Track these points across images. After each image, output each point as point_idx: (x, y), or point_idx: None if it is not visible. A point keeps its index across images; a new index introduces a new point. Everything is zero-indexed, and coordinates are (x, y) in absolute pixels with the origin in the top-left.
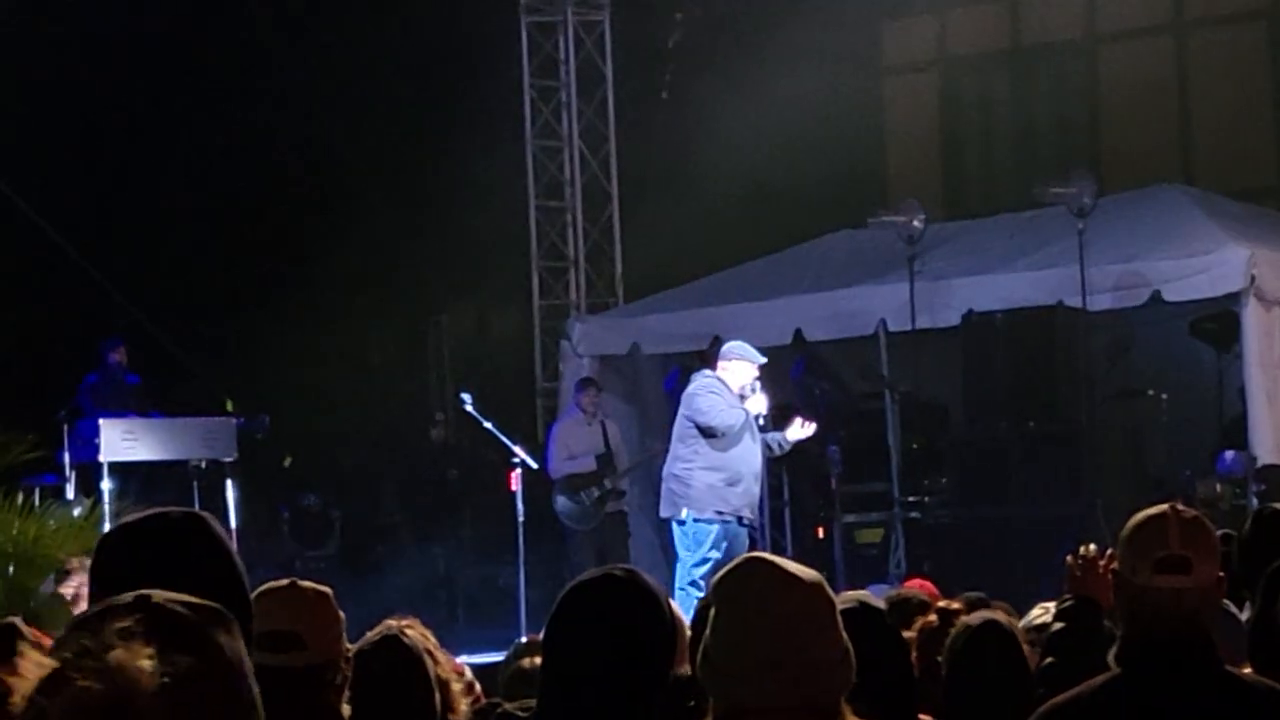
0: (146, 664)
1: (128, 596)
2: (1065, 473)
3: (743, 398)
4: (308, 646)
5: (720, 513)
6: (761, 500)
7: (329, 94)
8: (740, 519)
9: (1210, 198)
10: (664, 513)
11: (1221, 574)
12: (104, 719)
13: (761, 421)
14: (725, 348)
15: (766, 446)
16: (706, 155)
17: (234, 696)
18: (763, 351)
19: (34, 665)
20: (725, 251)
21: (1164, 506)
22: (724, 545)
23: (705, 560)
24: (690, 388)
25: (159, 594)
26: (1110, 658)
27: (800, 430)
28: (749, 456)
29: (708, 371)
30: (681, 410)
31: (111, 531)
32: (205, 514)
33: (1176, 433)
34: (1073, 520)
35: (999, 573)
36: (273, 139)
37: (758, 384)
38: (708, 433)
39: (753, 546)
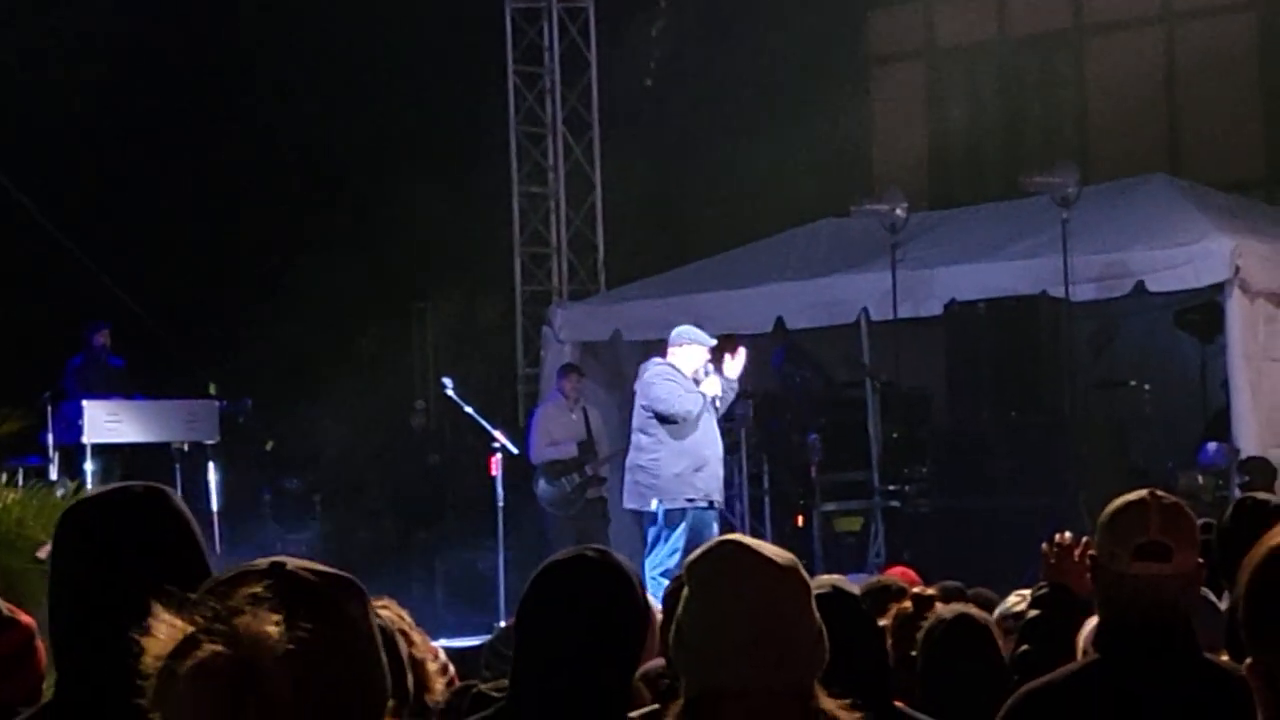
0: (273, 629)
1: (263, 563)
2: (1047, 463)
3: (696, 382)
4: None
5: (690, 500)
6: (740, 488)
7: (315, 81)
8: (711, 503)
9: (1196, 189)
10: (629, 504)
11: (1201, 561)
12: (229, 683)
13: (718, 404)
14: (674, 333)
15: (720, 402)
16: (690, 142)
17: (359, 665)
18: (744, 339)
19: (166, 627)
20: (707, 239)
21: (1143, 492)
22: (691, 532)
23: (676, 550)
24: (644, 376)
25: (293, 561)
26: (1085, 642)
27: (732, 365)
28: (710, 439)
29: (658, 359)
30: (638, 400)
31: (72, 508)
32: (166, 488)
33: (1159, 424)
34: (1055, 510)
35: (980, 563)
36: (258, 126)
37: (710, 367)
38: (667, 420)
39: (724, 529)
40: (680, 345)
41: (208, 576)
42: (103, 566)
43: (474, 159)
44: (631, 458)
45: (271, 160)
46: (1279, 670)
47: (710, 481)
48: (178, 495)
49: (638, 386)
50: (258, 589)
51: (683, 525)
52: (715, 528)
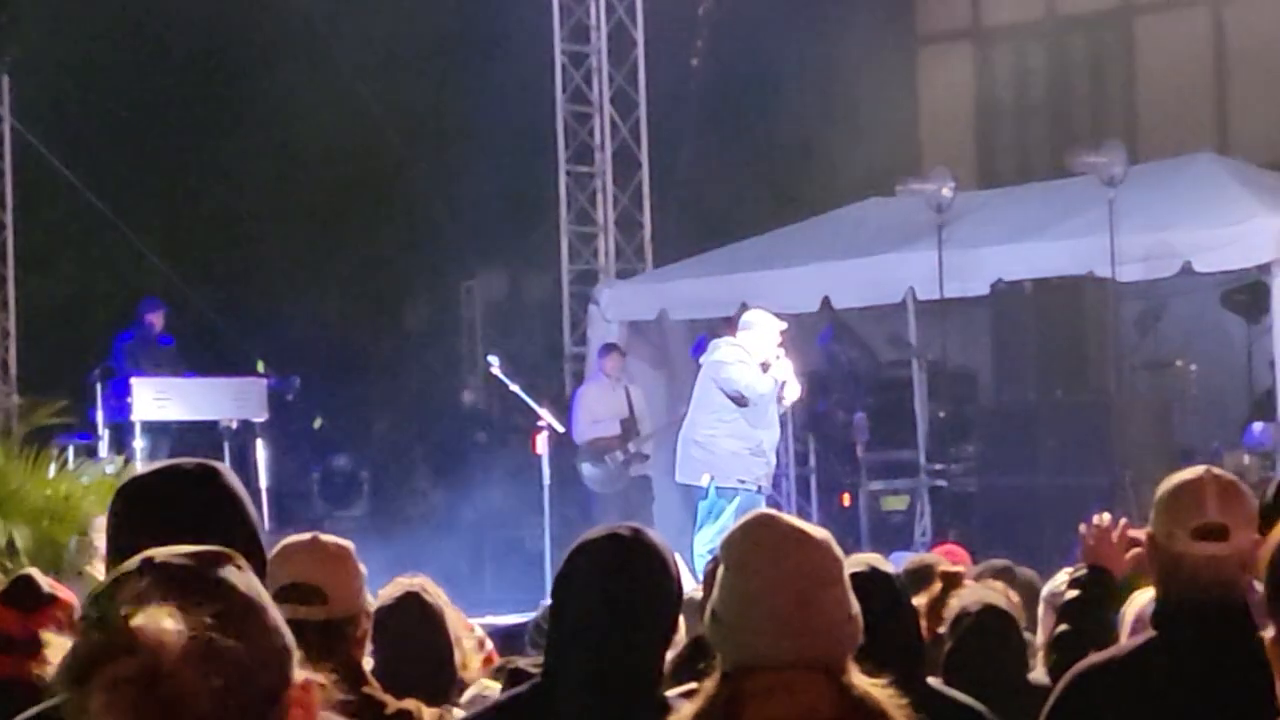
0: (169, 624)
1: (132, 562)
2: (1093, 442)
3: (765, 365)
4: (329, 600)
5: (742, 481)
6: (787, 467)
7: (363, 61)
8: (760, 488)
9: (1243, 168)
10: (681, 478)
11: (1258, 538)
12: (140, 690)
13: (784, 391)
14: (746, 315)
15: (788, 389)
16: (736, 122)
17: (260, 630)
18: (790, 318)
19: (58, 650)
20: (754, 218)
21: (1200, 470)
22: (740, 515)
23: (724, 530)
24: (715, 355)
25: (160, 552)
26: (1133, 618)
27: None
28: (769, 425)
29: (730, 339)
30: (706, 375)
31: (125, 484)
32: (219, 464)
33: (1205, 404)
34: (1100, 490)
35: (1025, 541)
36: (309, 105)
37: (781, 351)
38: (739, 401)
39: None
40: (749, 329)
41: (261, 554)
42: (154, 544)
43: (521, 138)
44: (687, 431)
45: (321, 140)
46: None
47: (764, 467)
48: (231, 472)
49: (706, 363)
50: (140, 587)
51: (733, 505)
52: None
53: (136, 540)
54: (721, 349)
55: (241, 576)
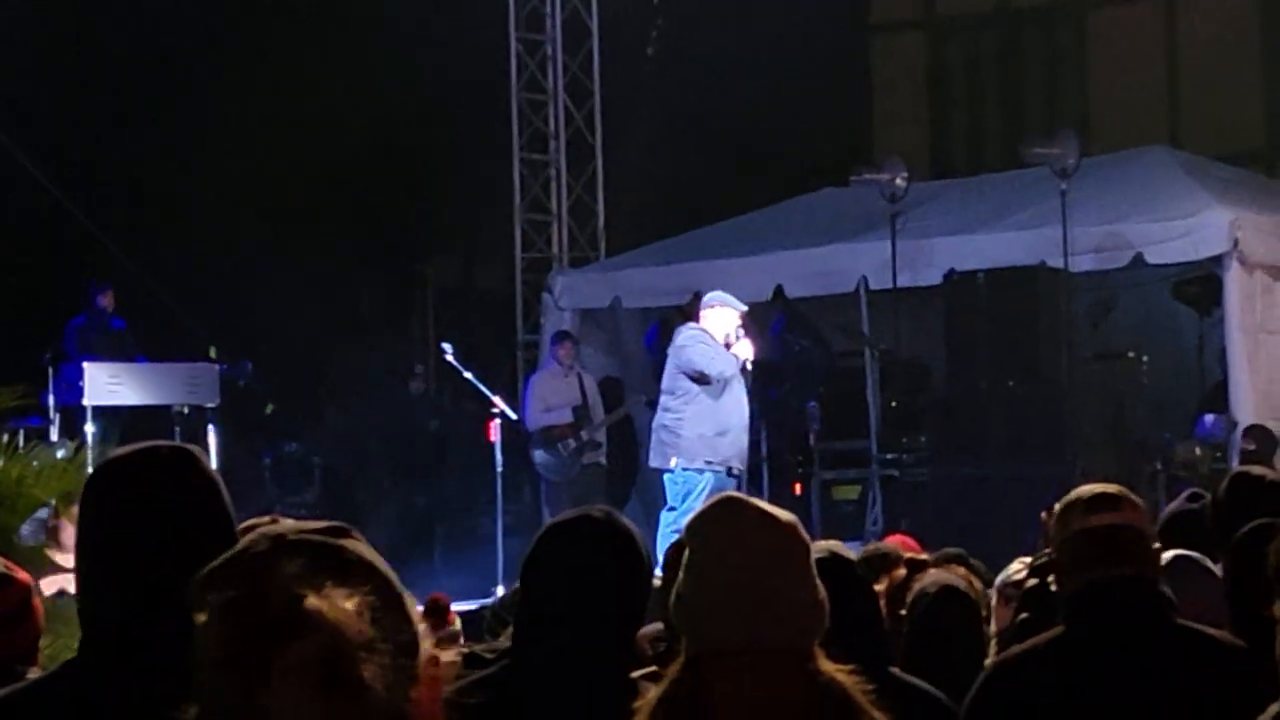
0: (351, 604)
1: (258, 540)
2: (1045, 433)
3: (727, 346)
4: None
5: (709, 462)
6: None
7: (314, 46)
8: (730, 470)
9: (1195, 160)
10: (653, 463)
11: (1158, 546)
12: (324, 672)
13: (748, 368)
14: (706, 297)
15: (749, 366)
16: (691, 112)
17: (399, 604)
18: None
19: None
20: (708, 207)
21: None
22: (710, 494)
23: (690, 510)
24: (678, 340)
25: (284, 528)
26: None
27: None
28: (738, 406)
29: (691, 324)
30: (671, 362)
31: (102, 466)
32: (195, 449)
33: (1157, 395)
34: (1052, 480)
35: (977, 532)
36: (261, 90)
37: (741, 331)
38: (702, 380)
39: None
40: (711, 308)
41: (234, 539)
42: (131, 527)
43: (475, 126)
44: (657, 418)
45: (275, 127)
46: None
47: (732, 448)
48: (206, 457)
49: (670, 350)
50: (295, 566)
51: (700, 488)
52: None
53: (113, 522)
54: (683, 334)
55: (370, 550)
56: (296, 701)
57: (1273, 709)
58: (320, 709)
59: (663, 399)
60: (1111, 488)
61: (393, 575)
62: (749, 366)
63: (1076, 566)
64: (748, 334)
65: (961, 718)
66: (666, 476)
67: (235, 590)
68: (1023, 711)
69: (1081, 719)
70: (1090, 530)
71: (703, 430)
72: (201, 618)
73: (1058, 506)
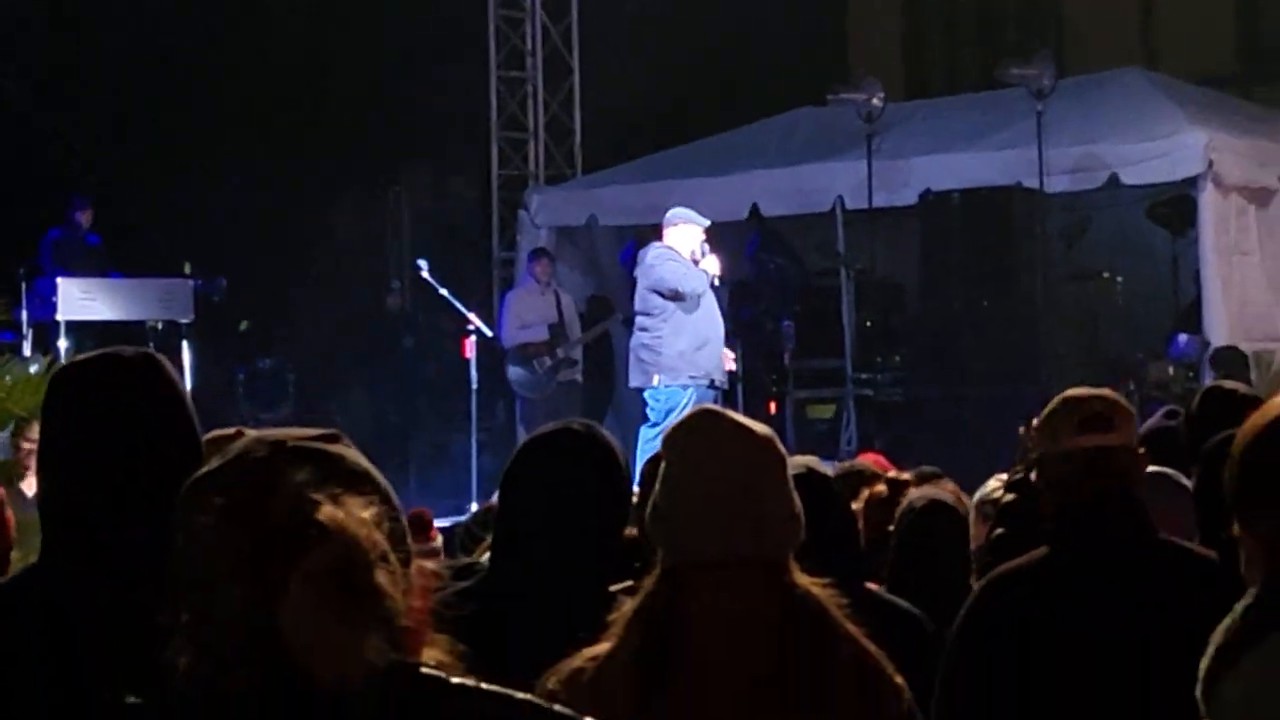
0: (366, 514)
1: (256, 446)
2: (1019, 353)
3: (695, 262)
4: None
5: (692, 377)
6: None
7: None
8: (712, 382)
9: (1171, 82)
10: (634, 383)
11: (1142, 450)
12: (341, 580)
13: (715, 283)
14: (669, 215)
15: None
16: (668, 30)
17: (395, 514)
18: (718, 226)
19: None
20: (684, 126)
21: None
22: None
23: None
24: (646, 259)
25: (282, 434)
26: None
27: (711, 261)
28: (712, 319)
29: (657, 243)
30: (641, 283)
31: (63, 369)
32: (159, 355)
33: (1130, 315)
34: (1025, 400)
35: (950, 451)
36: (236, 10)
37: (706, 246)
38: (676, 297)
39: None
40: (675, 226)
41: (199, 447)
42: (94, 432)
43: (452, 42)
44: (635, 338)
45: (251, 42)
46: (1277, 535)
47: (711, 361)
48: (169, 364)
49: (638, 271)
50: (303, 475)
51: (684, 403)
52: None
53: (77, 426)
54: (651, 252)
55: (364, 459)
56: (314, 610)
57: (1237, 608)
58: (337, 617)
59: (638, 319)
60: (1103, 402)
61: (387, 483)
62: (717, 281)
63: (1064, 485)
64: (712, 250)
65: (952, 636)
66: (648, 393)
67: (240, 496)
68: (1012, 629)
69: (1071, 636)
70: (1081, 452)
71: (682, 346)
72: (200, 520)
73: (1047, 411)
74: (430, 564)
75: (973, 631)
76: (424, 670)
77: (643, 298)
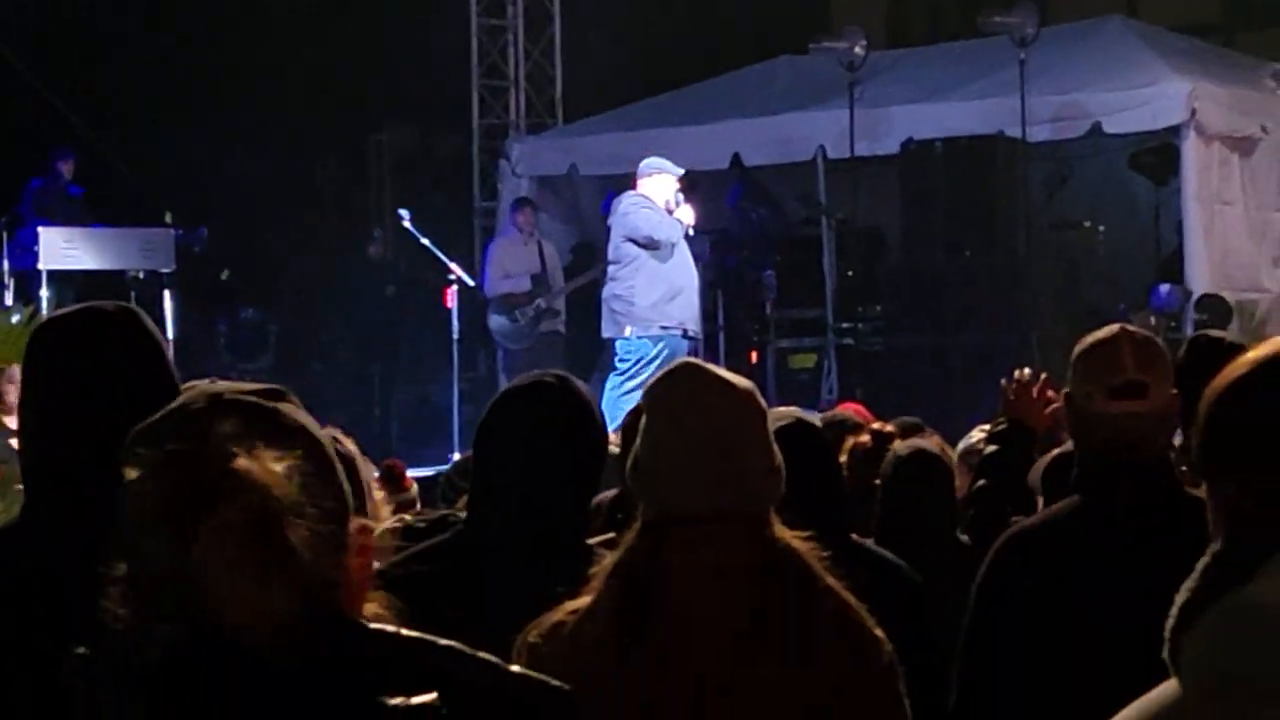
0: (280, 467)
1: (195, 398)
2: (1000, 302)
3: (669, 211)
4: None
5: (665, 328)
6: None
7: None
8: (685, 332)
9: (1153, 31)
10: (606, 333)
11: (1175, 392)
12: (252, 533)
13: (690, 233)
14: (642, 165)
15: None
16: None
17: (331, 470)
18: (700, 175)
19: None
20: (666, 75)
21: (1115, 328)
22: (665, 359)
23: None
24: (620, 208)
25: (223, 388)
26: (1034, 477)
27: (686, 210)
28: (685, 268)
29: (631, 192)
30: (615, 231)
31: (43, 324)
32: (137, 309)
33: (1112, 265)
34: (1007, 350)
35: (931, 400)
36: None
37: (680, 196)
38: (650, 245)
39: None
40: (649, 175)
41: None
42: (74, 387)
43: None
44: (607, 288)
45: None
46: (1242, 499)
47: (685, 310)
48: (147, 316)
49: (612, 220)
50: (228, 427)
51: (657, 353)
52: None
53: (58, 381)
54: (625, 200)
55: (305, 415)
56: (225, 562)
57: (1198, 566)
58: (248, 570)
59: (610, 269)
60: (1137, 362)
61: (325, 440)
62: (691, 231)
63: (1093, 446)
64: (687, 199)
65: (974, 593)
66: (620, 343)
67: (169, 447)
68: (1038, 587)
69: (1097, 595)
70: (1113, 419)
71: (654, 297)
72: (133, 473)
73: (1080, 358)
74: (376, 522)
75: (995, 591)
76: (345, 619)
77: (616, 246)
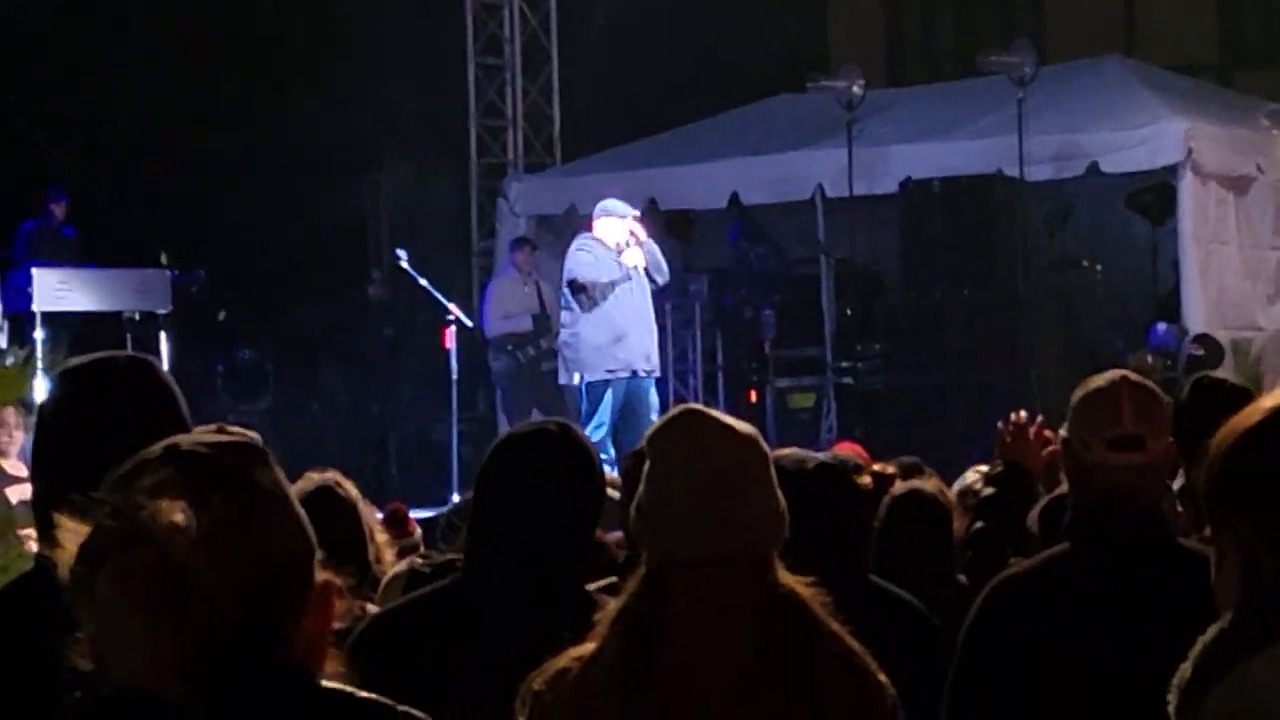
0: (180, 518)
1: (158, 448)
2: (999, 341)
3: (619, 252)
4: None
5: (611, 371)
6: (694, 363)
7: None
8: (635, 372)
9: (1151, 71)
10: (561, 379)
11: (1172, 441)
12: (151, 580)
13: (653, 276)
14: (596, 206)
15: (654, 272)
16: (648, 16)
17: (281, 526)
18: (699, 215)
19: (72, 534)
20: (664, 113)
21: (1115, 375)
22: (620, 404)
23: (601, 424)
24: (567, 252)
25: (188, 438)
26: (1031, 521)
27: (631, 254)
28: (630, 310)
29: (584, 233)
30: (563, 277)
31: (58, 376)
32: (151, 358)
33: (1110, 304)
34: (1005, 389)
35: (931, 439)
36: None
37: (632, 239)
38: (578, 290)
39: (677, 403)
40: (599, 217)
41: None
42: (88, 435)
43: (429, 30)
44: (560, 334)
45: (229, 30)
46: (1259, 545)
47: (631, 351)
48: (162, 366)
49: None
50: (158, 477)
51: (607, 398)
52: (654, 397)
53: (71, 433)
54: (572, 244)
55: (265, 470)
56: (115, 610)
57: (1210, 631)
58: (137, 618)
59: (561, 314)
60: (1136, 414)
61: (285, 496)
62: (637, 272)
63: (1088, 493)
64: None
65: (962, 639)
66: (576, 391)
67: (98, 495)
68: (1026, 634)
69: (1087, 643)
70: (1110, 470)
71: (598, 341)
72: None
73: (1079, 405)
74: (381, 566)
75: (984, 637)
76: (287, 673)
77: (561, 292)
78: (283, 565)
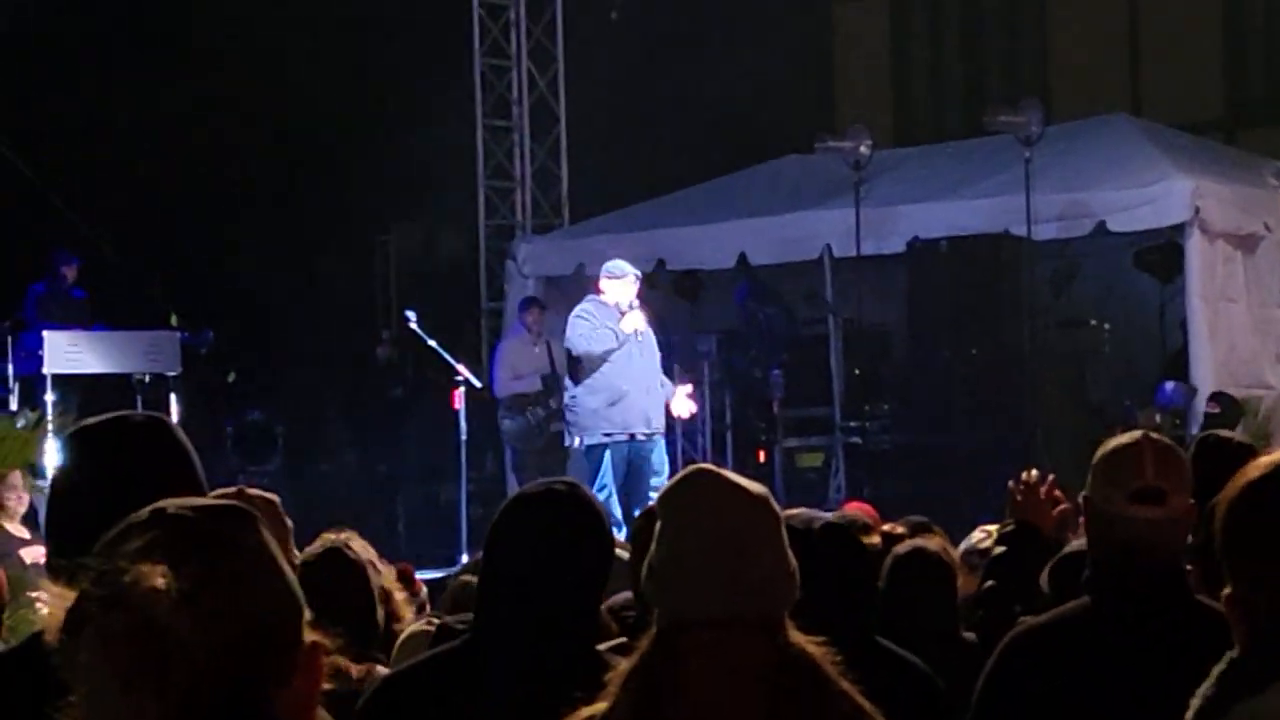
0: (160, 581)
1: (144, 513)
2: (1007, 400)
3: (622, 314)
4: None
5: (608, 434)
6: (703, 423)
7: (277, 10)
8: (634, 435)
9: (1157, 129)
10: (566, 442)
11: (1193, 501)
12: (129, 644)
13: (637, 338)
14: (603, 267)
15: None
16: (655, 77)
17: (266, 589)
18: (707, 275)
19: (58, 599)
20: (672, 174)
21: (1138, 434)
22: (623, 467)
23: (604, 487)
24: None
25: (172, 503)
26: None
27: (682, 404)
28: (629, 373)
29: (589, 297)
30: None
31: (73, 435)
32: (166, 418)
33: (1118, 363)
34: (1014, 448)
35: (939, 498)
36: (222, 57)
37: (635, 301)
38: (572, 361)
39: (686, 464)
40: (604, 278)
41: None
42: (103, 495)
43: (438, 91)
44: (564, 398)
45: (236, 92)
46: (1254, 599)
47: (630, 413)
48: (177, 425)
49: None
50: (141, 542)
51: (606, 461)
52: (657, 458)
53: (84, 493)
54: (573, 313)
55: (248, 538)
56: (93, 673)
57: (1213, 672)
58: (114, 681)
59: (565, 378)
60: (1158, 469)
61: (271, 560)
62: (638, 336)
63: (1108, 549)
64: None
65: (978, 693)
66: (579, 454)
67: (83, 561)
68: (1047, 680)
69: (1107, 691)
70: (1131, 524)
71: (595, 404)
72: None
73: (1102, 460)
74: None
75: (1000, 690)
76: None
77: (563, 354)
78: (268, 625)
